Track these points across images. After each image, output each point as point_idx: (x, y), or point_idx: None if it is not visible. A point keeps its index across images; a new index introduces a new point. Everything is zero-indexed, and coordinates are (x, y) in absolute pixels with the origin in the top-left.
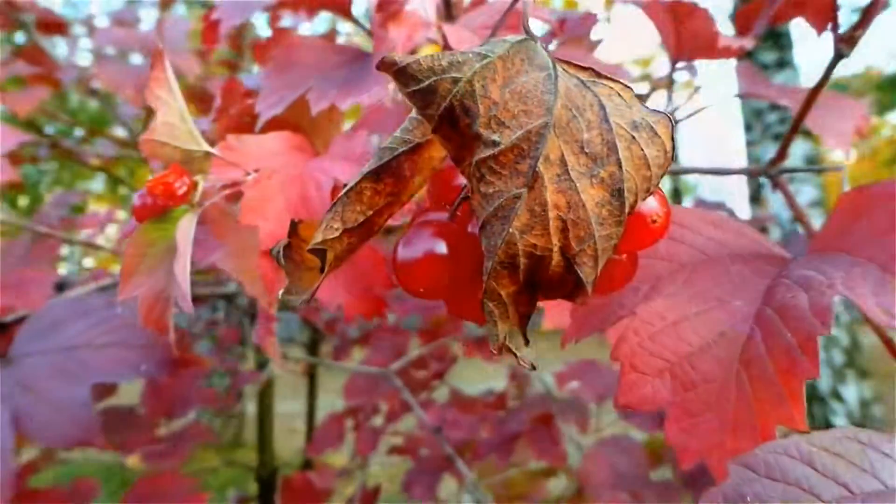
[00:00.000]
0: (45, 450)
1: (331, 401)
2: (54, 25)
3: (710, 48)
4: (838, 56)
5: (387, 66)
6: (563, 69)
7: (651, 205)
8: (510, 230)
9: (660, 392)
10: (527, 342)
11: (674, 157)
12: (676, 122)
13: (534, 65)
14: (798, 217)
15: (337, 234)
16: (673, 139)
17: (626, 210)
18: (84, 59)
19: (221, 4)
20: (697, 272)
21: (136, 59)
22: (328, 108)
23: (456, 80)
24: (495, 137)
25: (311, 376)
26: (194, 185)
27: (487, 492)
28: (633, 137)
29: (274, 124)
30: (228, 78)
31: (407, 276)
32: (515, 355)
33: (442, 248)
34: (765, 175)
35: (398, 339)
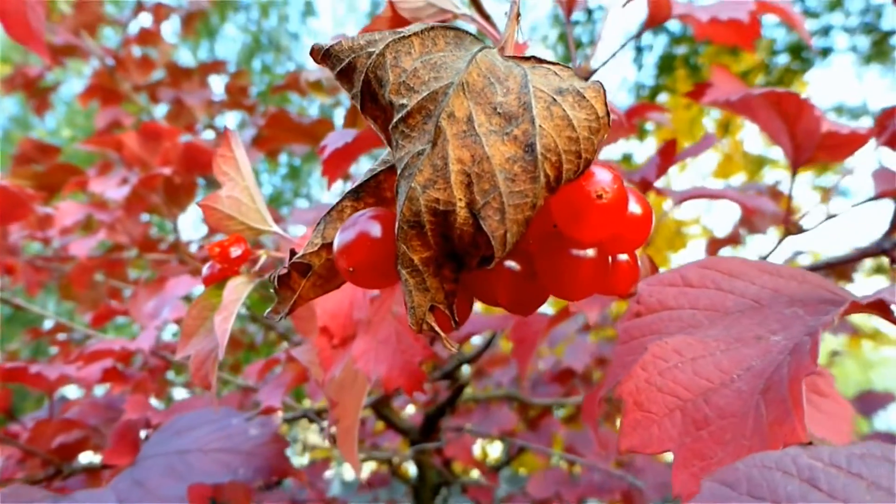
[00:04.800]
0: None
1: None
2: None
3: (832, 146)
4: None
5: (316, 52)
6: (504, 57)
7: (596, 178)
8: (412, 185)
9: (668, 432)
10: (455, 323)
11: (608, 123)
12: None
13: (460, 48)
14: None
15: (316, 248)
16: (606, 104)
17: (545, 168)
18: None
19: (328, 137)
20: (744, 317)
21: None
22: None
23: (370, 54)
24: (404, 101)
25: None
26: (250, 253)
27: None
28: (555, 99)
29: None
30: None
31: (338, 255)
32: (437, 333)
33: (372, 229)
34: (881, 252)
35: None
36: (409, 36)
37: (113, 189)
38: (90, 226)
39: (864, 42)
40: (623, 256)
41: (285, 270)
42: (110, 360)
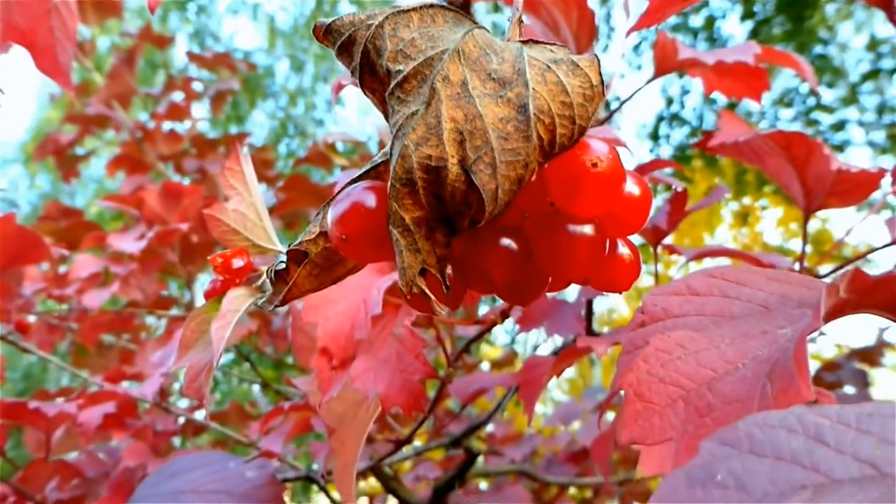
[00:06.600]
0: None
1: None
2: None
3: (844, 192)
4: None
5: (318, 29)
6: (503, 39)
7: (592, 147)
8: (405, 143)
9: (670, 421)
10: (447, 287)
11: (602, 92)
12: None
13: (458, 26)
14: None
15: (313, 236)
16: (600, 74)
17: (538, 129)
18: None
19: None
20: (751, 319)
21: None
22: None
23: (370, 26)
24: (400, 67)
25: None
26: (252, 267)
27: None
28: (549, 67)
29: None
30: None
31: (332, 225)
32: (427, 295)
33: (366, 198)
34: None
35: None
36: (409, 11)
37: (130, 243)
38: (106, 282)
39: (880, 135)
40: (624, 250)
41: (283, 265)
42: (112, 406)
